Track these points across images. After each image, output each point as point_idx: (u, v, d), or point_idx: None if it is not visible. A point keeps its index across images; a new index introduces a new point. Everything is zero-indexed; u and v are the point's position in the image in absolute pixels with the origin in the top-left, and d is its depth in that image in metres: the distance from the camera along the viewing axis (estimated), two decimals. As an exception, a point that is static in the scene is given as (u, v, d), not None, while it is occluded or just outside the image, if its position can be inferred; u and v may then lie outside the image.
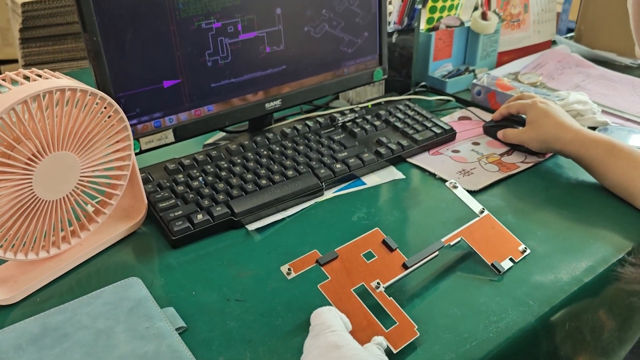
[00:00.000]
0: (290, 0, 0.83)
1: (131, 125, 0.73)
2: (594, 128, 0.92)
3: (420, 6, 1.02)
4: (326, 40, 0.89)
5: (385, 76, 0.99)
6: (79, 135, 0.60)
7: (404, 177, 0.83)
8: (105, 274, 0.65)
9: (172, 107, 0.77)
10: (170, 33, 0.73)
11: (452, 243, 0.63)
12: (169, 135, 0.77)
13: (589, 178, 0.81)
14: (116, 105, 0.63)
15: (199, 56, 0.76)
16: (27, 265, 0.63)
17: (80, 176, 0.63)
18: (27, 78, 0.59)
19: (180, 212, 0.70)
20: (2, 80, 0.58)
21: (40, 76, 0.59)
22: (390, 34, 1.03)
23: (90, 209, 0.67)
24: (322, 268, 0.55)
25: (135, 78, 0.72)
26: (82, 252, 0.66)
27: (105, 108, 0.62)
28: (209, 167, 0.78)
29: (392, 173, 0.83)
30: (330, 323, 0.46)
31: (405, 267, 0.58)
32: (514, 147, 0.90)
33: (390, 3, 1.07)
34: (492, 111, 0.98)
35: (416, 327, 0.53)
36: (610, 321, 0.66)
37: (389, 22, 1.05)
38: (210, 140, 0.94)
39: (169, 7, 0.72)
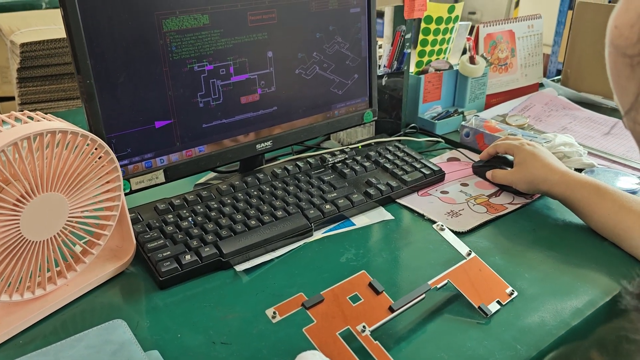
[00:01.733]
0: (281, 44, 0.85)
1: (122, 166, 0.74)
2: (580, 170, 0.93)
3: (409, 50, 1.05)
4: (317, 82, 0.91)
5: (375, 118, 1.01)
6: (69, 176, 0.61)
7: (392, 217, 0.83)
8: (90, 316, 0.64)
9: (163, 148, 0.78)
10: (163, 75, 0.75)
11: (438, 286, 0.63)
12: (160, 176, 0.78)
13: (576, 220, 0.81)
14: (107, 147, 0.64)
15: (190, 97, 0.78)
16: (11, 306, 0.62)
17: (69, 217, 0.63)
18: (18, 120, 0.60)
19: (168, 252, 0.70)
20: (-6, 122, 0.59)
21: (32, 118, 0.60)
22: (380, 77, 1.05)
23: (78, 249, 0.67)
24: (308, 311, 0.55)
25: (127, 119, 0.73)
26: (68, 293, 0.66)
27: (96, 149, 0.63)
28: (198, 207, 0.79)
29: (381, 214, 0.84)
30: (313, 368, 0.46)
31: (391, 310, 0.58)
32: (502, 188, 0.91)
33: (380, 47, 1.10)
34: (480, 152, 0.99)
35: (401, 372, 0.53)
36: (599, 365, 0.66)
37: (379, 66, 1.07)
38: (201, 180, 0.94)
39: (162, 50, 0.73)
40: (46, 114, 0.63)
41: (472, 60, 1.15)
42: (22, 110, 0.65)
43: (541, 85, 1.37)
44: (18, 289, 0.61)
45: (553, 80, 1.39)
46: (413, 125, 1.12)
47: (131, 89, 0.72)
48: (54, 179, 0.59)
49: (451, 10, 1.11)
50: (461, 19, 1.17)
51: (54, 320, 0.64)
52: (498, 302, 0.64)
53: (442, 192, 0.90)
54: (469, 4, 4.51)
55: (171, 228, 0.74)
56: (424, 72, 1.14)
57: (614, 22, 0.34)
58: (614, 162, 1.00)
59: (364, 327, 0.55)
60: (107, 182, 0.66)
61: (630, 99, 0.35)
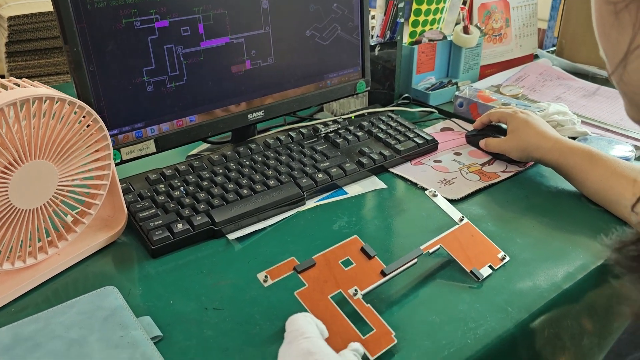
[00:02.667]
0: (275, 13, 0.83)
1: (112, 136, 0.74)
2: (574, 138, 0.93)
3: (402, 20, 1.03)
4: (310, 51, 0.90)
5: (368, 88, 1.00)
6: (57, 144, 0.60)
7: (385, 186, 0.83)
8: (83, 284, 0.64)
9: (153, 118, 0.77)
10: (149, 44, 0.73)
11: (431, 251, 0.63)
12: (151, 146, 0.77)
13: (569, 186, 0.81)
14: (95, 115, 0.63)
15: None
16: (2, 275, 0.62)
17: (58, 185, 0.63)
18: (4, 87, 0.59)
19: (160, 221, 0.70)
20: (-21, 88, 0.58)
21: (18, 85, 0.59)
22: (373, 47, 1.04)
23: (69, 218, 0.67)
24: (300, 275, 0.55)
25: (116, 88, 0.72)
26: (60, 262, 0.65)
27: (84, 117, 0.63)
28: (190, 177, 0.78)
29: (374, 183, 0.84)
30: (304, 330, 0.46)
31: (383, 274, 0.58)
32: (495, 157, 0.90)
33: (373, 17, 1.09)
34: (474, 122, 0.99)
35: (394, 334, 0.53)
36: (590, 327, 0.66)
37: (372, 36, 1.06)
38: (194, 152, 0.94)
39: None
40: None
41: (465, 31, 1.14)
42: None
43: (536, 56, 1.36)
44: (9, 258, 0.61)
45: (548, 51, 1.38)
46: (406, 95, 1.11)
47: (119, 58, 0.71)
48: (42, 147, 0.59)
49: (445, -22, 1.09)
50: None
51: (46, 289, 0.63)
52: (490, 266, 0.64)
53: (435, 161, 0.90)
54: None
55: (163, 197, 0.74)
56: (418, 42, 1.13)
57: None
58: (608, 130, 0.99)
59: (355, 290, 0.55)
60: (97, 150, 0.66)
61: (618, 53, 0.34)
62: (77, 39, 0.67)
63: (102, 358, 0.49)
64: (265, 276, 0.53)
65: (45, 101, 0.58)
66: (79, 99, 0.70)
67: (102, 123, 0.64)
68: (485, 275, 0.63)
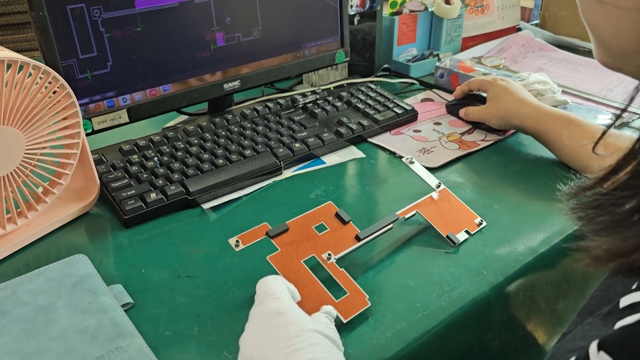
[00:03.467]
0: (246, -21, 0.82)
1: (83, 105, 0.72)
2: (555, 107, 0.92)
3: (382, -11, 1.02)
4: (286, 20, 0.88)
5: (348, 59, 0.98)
6: (22, 110, 0.58)
7: (364, 156, 0.82)
8: (54, 254, 0.63)
9: (125, 87, 0.75)
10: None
11: (407, 216, 0.63)
12: (123, 115, 0.76)
13: (547, 154, 0.81)
14: (62, 80, 0.61)
15: (153, 36, 0.75)
16: (-30, 245, 0.61)
17: (26, 153, 0.61)
18: (-35, 50, 0.57)
19: (133, 191, 0.68)
20: (-62, 51, 0.56)
21: (-21, 48, 0.57)
22: (352, 17, 1.02)
23: (39, 190, 0.65)
24: (272, 240, 0.54)
25: (82, 55, 0.71)
26: (30, 233, 0.64)
27: (50, 83, 0.61)
28: (165, 147, 0.77)
29: (353, 152, 0.83)
30: (273, 290, 0.45)
31: (358, 239, 0.57)
32: (475, 125, 0.90)
33: (352, -14, 1.07)
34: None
35: (367, 297, 0.53)
36: (565, 291, 0.66)
37: (351, 5, 1.04)
38: (170, 123, 0.92)
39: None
40: None
41: (447, 1, 1.13)
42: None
43: (519, 28, 1.35)
44: (-24, 228, 0.60)
45: (531, 24, 1.37)
46: (386, 67, 1.10)
47: (86, 22, 0.69)
48: (6, 113, 0.57)
49: (425, -53, 1.08)
50: None
51: (16, 260, 0.62)
52: (466, 231, 0.64)
53: (415, 131, 0.89)
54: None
55: (136, 168, 0.72)
56: (399, 13, 1.12)
57: None
58: (588, 99, 0.99)
59: (329, 255, 0.54)
60: (65, 118, 0.64)
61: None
62: (42, 2, 0.65)
63: (69, 323, 0.48)
64: (237, 241, 0.53)
65: (9, 66, 0.56)
66: (46, 64, 0.68)
67: (69, 89, 0.62)
68: (461, 240, 0.63)
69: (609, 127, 0.39)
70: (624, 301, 0.34)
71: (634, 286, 0.35)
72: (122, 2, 0.71)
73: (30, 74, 0.58)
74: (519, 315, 0.61)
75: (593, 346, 0.32)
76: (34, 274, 0.55)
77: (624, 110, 0.37)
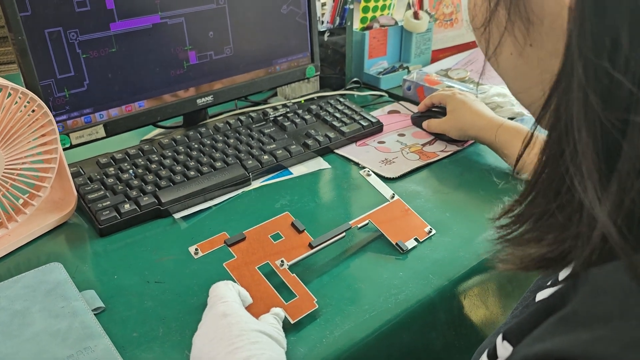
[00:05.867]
0: None
1: (61, 121, 0.77)
2: (512, 119, 0.98)
3: (351, 6, 1.07)
4: (257, 37, 0.93)
5: (318, 73, 1.03)
6: (1, 130, 0.63)
7: (329, 166, 0.87)
8: (34, 262, 0.67)
9: (101, 104, 0.80)
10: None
11: (359, 225, 0.68)
12: (100, 131, 0.80)
13: (502, 164, 0.86)
14: (39, 101, 0.66)
15: (131, 56, 0.80)
16: (-47, 254, 0.65)
17: (5, 169, 0.66)
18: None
19: (108, 202, 0.73)
20: None
21: (-39, 73, 0.62)
22: (323, 33, 1.07)
23: (19, 201, 0.70)
24: (230, 248, 0.59)
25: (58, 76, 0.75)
26: (11, 242, 0.69)
27: (28, 103, 0.65)
28: (140, 160, 0.82)
29: (319, 163, 0.88)
30: (222, 295, 0.50)
31: (311, 246, 0.62)
32: (437, 137, 0.95)
33: (324, 5, 1.12)
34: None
35: (315, 300, 0.58)
36: (509, 292, 0.71)
37: (322, 22, 1.09)
38: (148, 136, 0.97)
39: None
40: None
41: (415, 16, 1.18)
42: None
43: (488, 40, 1.40)
44: (-41, 238, 0.64)
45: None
46: (355, 79, 1.15)
47: (63, 45, 0.74)
48: (-13, 132, 0.62)
49: (393, -35, 1.13)
50: None
51: (-3, 267, 0.67)
52: (416, 239, 0.69)
53: (379, 142, 0.94)
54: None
55: (112, 180, 0.77)
56: (369, 28, 1.17)
57: (467, 3, 0.40)
58: (546, 111, 1.04)
59: (282, 261, 0.59)
60: (43, 135, 0.69)
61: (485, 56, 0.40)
62: (21, 26, 0.70)
63: (43, 326, 0.53)
64: (196, 249, 0.58)
65: (-12, 88, 0.61)
66: (25, 86, 0.73)
67: (46, 109, 0.67)
68: (410, 247, 0.68)
69: (529, 141, 0.43)
70: (539, 296, 0.39)
71: (549, 282, 0.40)
72: (97, 25, 0.76)
73: (9, 94, 0.63)
74: (463, 315, 0.67)
75: (500, 336, 0.37)
76: (12, 280, 0.60)
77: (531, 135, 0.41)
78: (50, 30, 0.73)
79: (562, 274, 0.38)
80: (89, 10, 0.75)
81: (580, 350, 0.27)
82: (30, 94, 0.65)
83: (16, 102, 0.64)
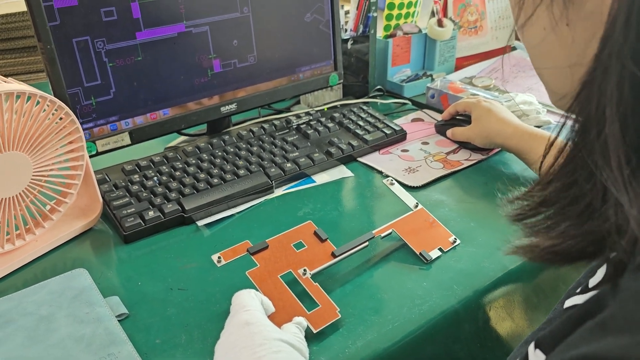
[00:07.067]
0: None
1: (87, 129, 0.78)
2: (539, 127, 0.96)
3: (375, 14, 1.07)
4: (281, 45, 0.93)
5: (341, 81, 1.03)
6: (29, 136, 0.64)
7: (352, 175, 0.87)
8: (60, 268, 0.68)
9: (127, 111, 0.81)
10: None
11: (383, 235, 0.67)
12: (125, 138, 0.81)
13: (528, 172, 0.85)
14: (67, 108, 0.67)
15: (154, 64, 0.81)
16: (-18, 259, 0.67)
17: (34, 175, 0.67)
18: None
19: (132, 209, 0.74)
20: (-45, 85, 0.62)
21: (-8, 81, 0.63)
22: (346, 41, 1.07)
23: (46, 207, 0.71)
24: (252, 257, 0.59)
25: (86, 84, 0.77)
26: (38, 248, 0.70)
27: (56, 110, 0.67)
28: (164, 167, 0.82)
29: (342, 171, 0.88)
30: (245, 303, 0.50)
31: (333, 255, 0.62)
32: (461, 145, 0.94)
33: (347, 13, 1.12)
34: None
35: (338, 309, 0.57)
36: (535, 304, 0.70)
37: (346, 30, 1.10)
38: (172, 143, 0.98)
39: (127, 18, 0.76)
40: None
41: (440, 24, 1.17)
42: None
43: (513, 48, 1.39)
44: (-12, 244, 0.65)
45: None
46: (379, 87, 1.14)
47: (90, 53, 0.75)
48: (16, 140, 0.63)
49: (417, -27, 1.13)
50: None
51: (24, 273, 0.68)
52: (440, 249, 0.68)
53: (403, 151, 0.93)
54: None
55: (137, 187, 0.78)
56: (393, 35, 1.17)
57: None
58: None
59: (305, 270, 0.59)
60: (70, 142, 0.70)
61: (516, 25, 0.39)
62: (50, 36, 0.71)
63: (68, 332, 0.54)
64: (219, 257, 0.58)
65: (18, 97, 0.62)
66: (54, 94, 0.74)
67: (73, 117, 0.68)
68: (434, 257, 0.67)
69: (552, 141, 0.41)
70: (568, 303, 0.38)
71: (578, 290, 0.39)
72: (124, 34, 0.77)
73: (38, 102, 0.64)
74: (488, 327, 0.65)
75: (532, 345, 0.36)
76: (38, 286, 0.60)
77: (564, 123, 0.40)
78: (78, 39, 0.74)
79: (592, 281, 0.37)
80: (115, 19, 0.76)
81: (618, 353, 0.26)
82: (58, 102, 0.66)
83: (44, 110, 0.65)
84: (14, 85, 0.62)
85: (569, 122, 0.35)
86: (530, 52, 0.42)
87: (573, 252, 0.35)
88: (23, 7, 1.23)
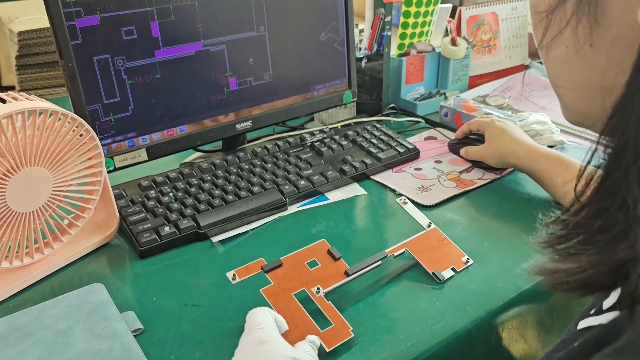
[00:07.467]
0: (274, 8, 0.89)
1: (106, 145, 0.79)
2: (552, 147, 0.96)
3: (389, 33, 1.08)
4: (296, 64, 0.95)
5: (355, 99, 1.04)
6: (50, 152, 0.66)
7: (365, 193, 0.87)
8: (76, 282, 0.70)
9: (145, 128, 0.82)
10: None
11: (396, 254, 0.67)
12: (143, 154, 0.83)
13: (541, 192, 0.85)
14: (87, 126, 0.68)
15: (172, 82, 0.82)
16: (1, 273, 0.68)
17: (53, 190, 0.68)
18: (3, 101, 0.65)
19: (148, 224, 0.75)
20: (-20, 102, 0.64)
21: (15, 99, 0.65)
22: (360, 59, 1.09)
23: (64, 222, 0.72)
24: (266, 274, 0.60)
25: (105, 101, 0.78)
26: (55, 262, 0.71)
27: (77, 127, 0.68)
28: (180, 183, 0.83)
29: (355, 189, 0.88)
30: (259, 321, 0.50)
31: (347, 274, 0.62)
32: (474, 164, 0.94)
33: (362, 32, 1.14)
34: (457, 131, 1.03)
35: (351, 328, 0.58)
36: (549, 326, 0.69)
37: (360, 48, 1.11)
38: (187, 159, 0.99)
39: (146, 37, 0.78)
40: (46, 100, 0.68)
41: (453, 42, 1.18)
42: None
43: (527, 66, 1.39)
44: (7, 257, 0.67)
45: (539, 62, 1.41)
46: (392, 105, 1.15)
47: (110, 71, 0.77)
48: (37, 155, 0.64)
49: (431, -7, 1.14)
50: (466, 0, 1.20)
51: (42, 286, 0.69)
52: (452, 269, 0.68)
53: (416, 169, 0.94)
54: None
55: (153, 203, 0.79)
56: (406, 54, 1.18)
57: None
58: (587, 139, 1.03)
59: (318, 289, 0.59)
60: (89, 158, 0.71)
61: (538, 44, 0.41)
62: (72, 54, 0.73)
63: (84, 346, 0.54)
64: (234, 274, 0.58)
65: (40, 114, 0.63)
66: (74, 110, 0.75)
67: (93, 133, 0.69)
68: (446, 277, 0.67)
69: (584, 168, 0.40)
70: (582, 324, 0.39)
71: (592, 311, 0.39)
72: (143, 52, 0.79)
73: (59, 119, 0.66)
74: (501, 348, 0.65)
75: None
76: (56, 300, 0.61)
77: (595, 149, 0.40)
78: (99, 57, 0.76)
79: (607, 303, 0.37)
80: (135, 38, 0.78)
81: None
82: (79, 119, 0.67)
83: (65, 127, 0.67)
84: (37, 102, 0.64)
85: (594, 145, 0.35)
86: (550, 72, 0.43)
87: (594, 281, 0.35)
88: (42, 24, 1.26)
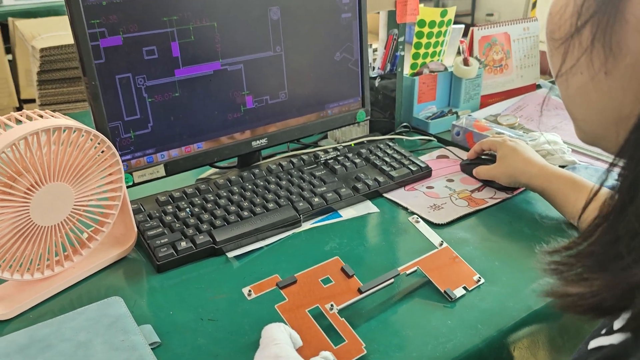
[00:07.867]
0: (290, 28, 0.91)
1: (125, 160, 0.81)
2: (563, 167, 0.97)
3: (402, 53, 1.10)
4: (311, 84, 0.97)
5: (368, 118, 1.06)
6: (73, 168, 0.68)
7: (378, 210, 0.89)
8: (95, 294, 0.71)
9: (163, 144, 0.84)
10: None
11: (408, 272, 0.68)
12: (160, 170, 0.85)
13: (553, 212, 0.86)
14: (108, 142, 0.70)
15: (191, 99, 0.85)
16: (23, 284, 0.70)
17: (75, 205, 0.70)
18: (29, 118, 0.67)
19: (166, 239, 0.77)
20: (7, 119, 0.66)
21: (41, 116, 0.67)
22: (374, 78, 1.10)
23: (84, 235, 0.74)
24: (281, 291, 0.61)
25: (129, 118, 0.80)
26: (75, 274, 0.73)
27: (98, 144, 0.70)
28: (196, 199, 0.85)
29: (368, 207, 0.89)
30: (275, 337, 0.52)
31: (360, 291, 0.63)
32: (486, 183, 0.95)
33: (375, 51, 1.16)
34: (469, 150, 1.04)
35: (364, 345, 0.59)
36: (559, 346, 0.70)
37: (373, 68, 1.13)
38: (203, 175, 1.01)
39: (166, 58, 0.80)
40: (65, 114, 0.70)
41: (465, 62, 1.20)
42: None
43: (538, 86, 1.40)
44: (29, 270, 0.68)
45: (550, 81, 1.42)
46: (405, 124, 1.17)
47: (131, 89, 0.79)
48: (60, 171, 0.67)
49: (444, 14, 1.16)
50: (479, 20, 1.22)
51: (62, 299, 0.71)
52: (464, 287, 0.69)
53: (428, 187, 0.95)
54: (487, 6, 4.55)
55: (170, 218, 0.81)
56: (419, 73, 1.19)
57: (549, 9, 0.40)
58: (598, 159, 1.03)
59: (332, 305, 0.60)
60: (110, 174, 0.73)
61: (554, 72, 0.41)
62: (95, 73, 0.75)
63: (104, 358, 0.56)
64: (250, 290, 0.60)
65: (64, 130, 0.65)
66: (96, 126, 0.78)
67: (114, 150, 0.71)
68: (458, 296, 0.68)
69: (596, 192, 0.41)
70: (593, 344, 0.39)
71: (603, 331, 0.40)
72: (163, 71, 0.81)
73: (83, 136, 0.68)
74: (512, 367, 0.66)
75: None
76: (76, 312, 0.63)
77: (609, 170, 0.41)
78: (121, 76, 0.78)
79: (617, 324, 0.38)
80: (156, 58, 0.80)
81: None
82: (101, 136, 0.69)
83: (88, 143, 0.69)
84: (62, 120, 0.66)
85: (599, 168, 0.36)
86: (565, 96, 0.44)
87: (605, 304, 0.35)
88: (64, 41, 1.30)
